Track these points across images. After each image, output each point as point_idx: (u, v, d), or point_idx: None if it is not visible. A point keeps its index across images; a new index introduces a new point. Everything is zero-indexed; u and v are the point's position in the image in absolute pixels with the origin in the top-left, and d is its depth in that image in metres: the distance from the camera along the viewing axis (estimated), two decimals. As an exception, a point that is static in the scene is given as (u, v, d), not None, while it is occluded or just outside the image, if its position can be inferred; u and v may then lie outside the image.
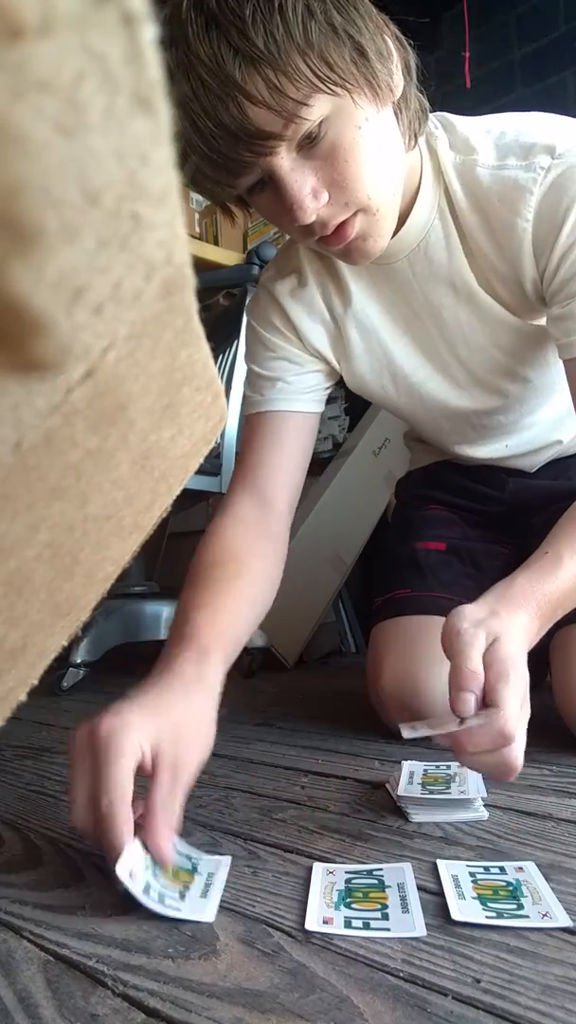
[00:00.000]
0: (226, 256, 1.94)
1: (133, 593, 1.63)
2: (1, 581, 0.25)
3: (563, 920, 0.42)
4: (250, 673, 1.61)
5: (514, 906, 0.44)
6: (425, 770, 0.70)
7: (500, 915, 0.43)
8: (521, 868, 0.49)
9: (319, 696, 1.32)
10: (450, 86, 2.88)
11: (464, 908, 0.43)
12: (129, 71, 0.16)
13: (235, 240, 2.31)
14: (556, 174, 0.69)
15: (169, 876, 0.48)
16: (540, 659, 0.99)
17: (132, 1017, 0.35)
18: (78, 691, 1.40)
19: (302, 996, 0.36)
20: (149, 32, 0.16)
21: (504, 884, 0.47)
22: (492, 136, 0.74)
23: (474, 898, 0.45)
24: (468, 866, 0.50)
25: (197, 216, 2.37)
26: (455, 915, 0.42)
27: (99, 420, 0.23)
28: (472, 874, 0.49)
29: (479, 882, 0.47)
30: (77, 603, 0.31)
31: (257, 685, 1.50)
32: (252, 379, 0.89)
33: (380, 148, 0.66)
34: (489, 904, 0.44)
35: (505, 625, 0.56)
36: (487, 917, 0.42)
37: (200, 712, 0.57)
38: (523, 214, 0.71)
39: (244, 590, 0.72)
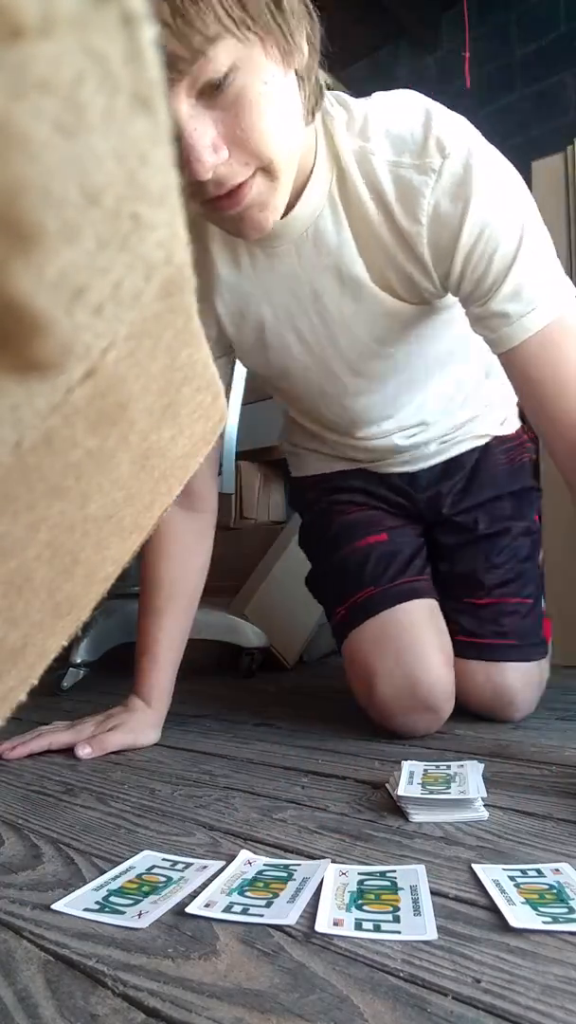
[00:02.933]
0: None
1: (133, 593, 1.63)
2: (1, 581, 0.25)
3: None
4: (250, 673, 1.61)
5: (566, 910, 0.43)
6: (425, 770, 0.71)
7: (556, 920, 0.42)
8: (558, 870, 0.49)
9: (319, 696, 1.32)
10: (450, 86, 2.88)
11: (519, 915, 0.43)
12: (129, 71, 0.16)
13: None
14: (447, 177, 0.69)
15: (259, 889, 0.48)
16: None
17: (132, 1017, 0.35)
18: (78, 691, 1.40)
19: (302, 996, 0.36)
20: (149, 32, 0.16)
21: (547, 887, 0.47)
22: (382, 123, 0.72)
23: (524, 903, 0.44)
24: (505, 870, 0.49)
25: (197, 216, 2.37)
26: (513, 923, 0.42)
27: (99, 420, 0.23)
28: (512, 878, 0.48)
29: (522, 887, 0.47)
30: (77, 603, 0.31)
31: (257, 685, 1.50)
32: None
33: (284, 110, 0.64)
34: (541, 909, 0.43)
35: None
36: (544, 923, 0.42)
37: (146, 734, 0.94)
38: (418, 217, 0.71)
39: (178, 611, 0.96)
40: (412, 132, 0.71)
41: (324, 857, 0.53)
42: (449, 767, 0.71)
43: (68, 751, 0.88)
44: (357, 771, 0.77)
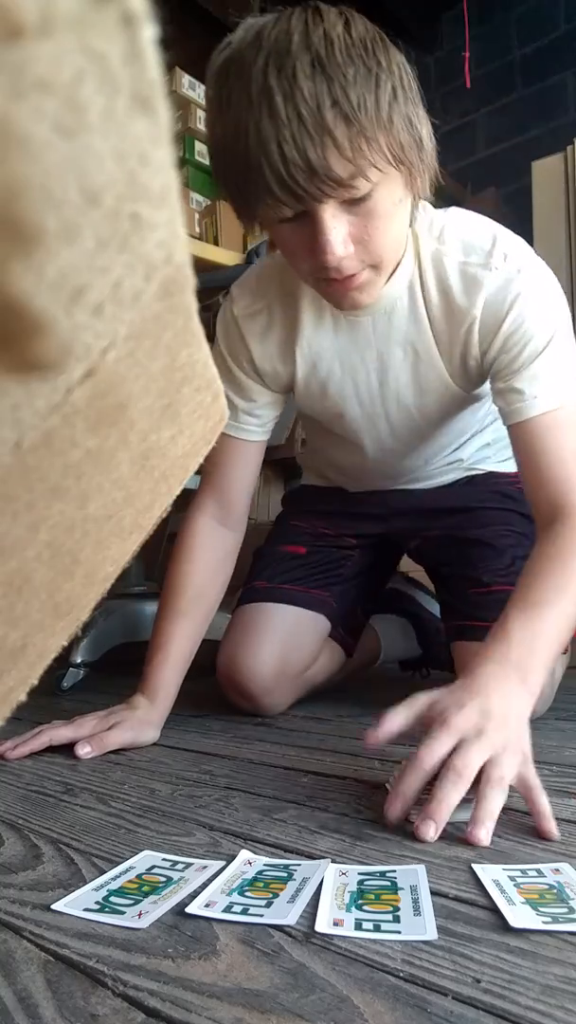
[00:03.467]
0: (226, 256, 1.94)
1: (133, 593, 1.63)
2: (1, 581, 0.25)
3: None
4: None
5: (566, 910, 0.43)
6: None
7: (556, 920, 0.42)
8: (558, 870, 0.49)
9: (319, 696, 1.31)
10: (450, 86, 2.88)
11: (519, 915, 0.43)
12: (129, 71, 0.16)
13: (235, 240, 2.31)
14: (504, 275, 0.85)
15: (259, 889, 0.48)
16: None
17: (132, 1017, 0.35)
18: (78, 691, 1.40)
19: (302, 996, 0.36)
20: (149, 32, 0.16)
21: (547, 887, 0.46)
22: (457, 232, 0.88)
23: (523, 903, 0.44)
24: (505, 870, 0.49)
25: (197, 216, 2.37)
26: (513, 923, 0.41)
27: (99, 420, 0.23)
28: (512, 878, 0.48)
29: (522, 887, 0.47)
30: (77, 603, 0.31)
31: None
32: None
33: (401, 223, 0.80)
34: (541, 909, 0.43)
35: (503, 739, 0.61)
36: (544, 923, 0.41)
37: (145, 732, 0.94)
38: (476, 303, 0.87)
39: (197, 617, 1.00)
40: (481, 242, 0.87)
41: (324, 857, 0.53)
42: None
43: (68, 749, 0.89)
44: (357, 771, 0.77)
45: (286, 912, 0.44)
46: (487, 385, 0.97)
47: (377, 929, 0.42)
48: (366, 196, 0.72)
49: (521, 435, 0.88)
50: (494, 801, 0.56)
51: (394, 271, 0.87)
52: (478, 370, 0.93)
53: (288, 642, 1.10)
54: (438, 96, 2.94)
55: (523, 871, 0.49)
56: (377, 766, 0.79)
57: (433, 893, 0.46)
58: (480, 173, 2.70)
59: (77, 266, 0.17)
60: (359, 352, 0.95)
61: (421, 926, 0.42)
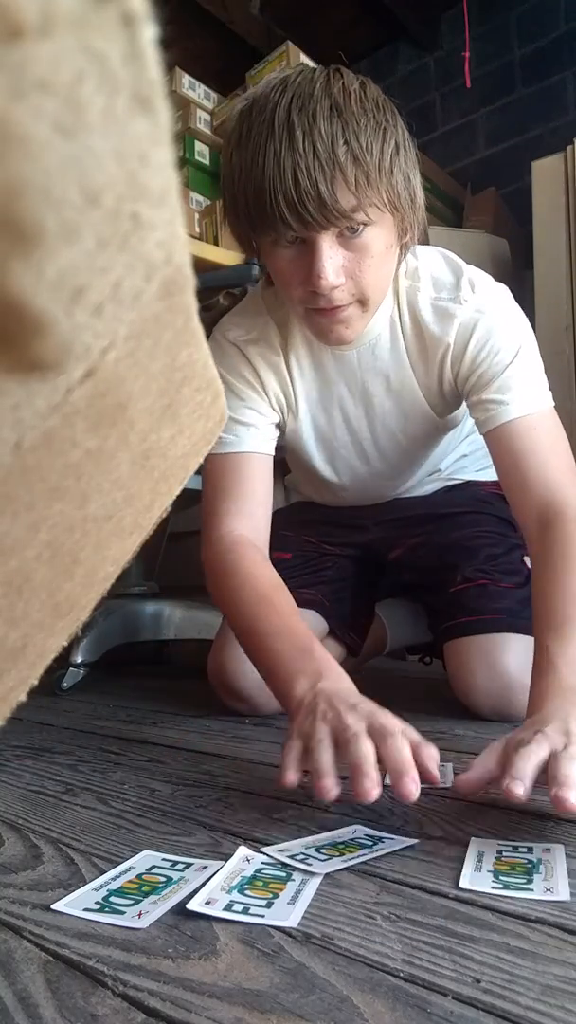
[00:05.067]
0: (226, 256, 1.94)
1: (133, 593, 1.63)
2: (1, 581, 0.25)
3: (564, 895, 0.44)
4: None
5: (523, 880, 0.45)
6: None
7: (506, 887, 0.45)
8: (548, 849, 0.51)
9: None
10: (450, 86, 2.88)
11: (474, 879, 0.46)
12: (129, 71, 0.16)
13: (235, 240, 2.30)
14: (472, 305, 0.93)
15: (259, 888, 0.48)
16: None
17: (132, 1017, 0.35)
18: (78, 691, 1.40)
19: (302, 996, 0.36)
20: (149, 32, 0.16)
21: (525, 862, 0.49)
22: (428, 271, 0.96)
23: (489, 871, 0.47)
24: (499, 844, 0.52)
25: (197, 216, 2.37)
26: (463, 884, 0.45)
27: (99, 420, 0.23)
28: (499, 851, 0.51)
29: (502, 858, 0.49)
30: (77, 603, 0.31)
31: (257, 685, 1.50)
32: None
33: (389, 269, 0.87)
34: (500, 877, 0.46)
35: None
36: (492, 887, 0.45)
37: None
38: (449, 332, 0.94)
39: (293, 605, 0.87)
40: (449, 278, 0.96)
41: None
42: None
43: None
44: (357, 771, 0.77)
45: (287, 914, 0.44)
46: (461, 409, 1.04)
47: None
48: (361, 233, 0.80)
49: (499, 440, 0.90)
50: None
51: (377, 309, 0.94)
52: (453, 393, 0.99)
53: None
54: (438, 96, 2.94)
55: (515, 847, 0.52)
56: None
57: (433, 893, 0.46)
58: (480, 173, 2.69)
59: (77, 266, 0.17)
60: (345, 382, 1.02)
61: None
